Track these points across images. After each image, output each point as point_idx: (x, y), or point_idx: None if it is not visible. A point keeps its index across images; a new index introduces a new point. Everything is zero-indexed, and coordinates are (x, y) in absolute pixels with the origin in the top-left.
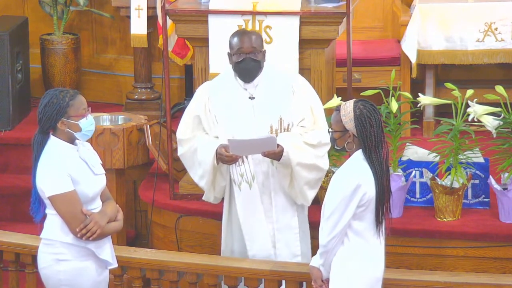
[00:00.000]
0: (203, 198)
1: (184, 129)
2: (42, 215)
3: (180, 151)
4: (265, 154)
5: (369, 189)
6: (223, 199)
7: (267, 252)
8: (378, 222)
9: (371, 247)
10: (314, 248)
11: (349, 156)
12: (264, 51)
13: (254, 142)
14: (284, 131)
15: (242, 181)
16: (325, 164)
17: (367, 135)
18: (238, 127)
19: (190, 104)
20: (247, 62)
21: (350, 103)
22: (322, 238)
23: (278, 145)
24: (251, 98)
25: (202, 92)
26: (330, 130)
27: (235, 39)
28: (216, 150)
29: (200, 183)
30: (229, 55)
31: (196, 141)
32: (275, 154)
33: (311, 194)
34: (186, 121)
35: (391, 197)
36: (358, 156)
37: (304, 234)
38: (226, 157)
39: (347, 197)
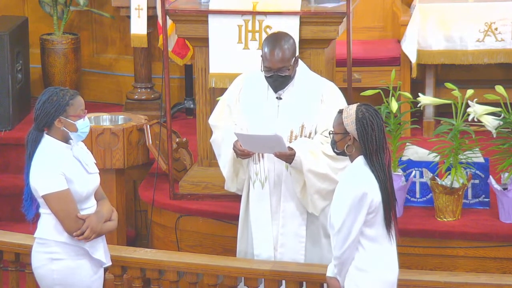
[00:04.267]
0: (224, 187)
1: (215, 116)
2: (34, 213)
3: (212, 137)
4: (277, 155)
5: (376, 195)
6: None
7: (268, 254)
8: (388, 226)
9: (385, 251)
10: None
11: (351, 162)
12: (297, 58)
13: (259, 139)
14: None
15: (256, 180)
16: None
17: (368, 138)
18: (259, 124)
19: (226, 92)
20: (275, 78)
21: (353, 106)
22: (335, 251)
23: (291, 148)
24: (279, 98)
25: (237, 82)
26: (331, 132)
27: (265, 51)
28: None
29: (223, 171)
30: (261, 59)
31: (223, 130)
32: (287, 157)
33: (321, 204)
34: (218, 108)
35: (396, 202)
36: (359, 162)
37: (317, 243)
38: (238, 151)
39: (355, 208)
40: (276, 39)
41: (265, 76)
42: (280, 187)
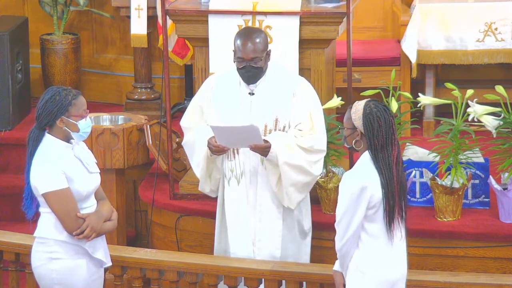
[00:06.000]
0: (198, 188)
1: (187, 117)
2: (34, 212)
3: (183, 140)
4: (252, 148)
5: (376, 190)
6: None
7: (246, 251)
8: (387, 224)
9: (385, 249)
10: (315, 250)
11: (359, 156)
12: (269, 52)
13: (235, 130)
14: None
15: (231, 177)
16: (316, 170)
17: (374, 134)
18: (233, 120)
19: (197, 93)
20: (247, 69)
21: (362, 102)
22: (336, 243)
23: (266, 141)
24: (251, 94)
25: (208, 82)
26: (341, 127)
27: (238, 43)
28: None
29: (196, 172)
30: (234, 53)
31: (196, 130)
32: (262, 149)
33: (297, 197)
34: (189, 110)
35: (406, 200)
36: (365, 158)
37: (292, 237)
38: (213, 147)
39: (354, 200)
40: (248, 32)
41: (237, 68)
42: (256, 180)
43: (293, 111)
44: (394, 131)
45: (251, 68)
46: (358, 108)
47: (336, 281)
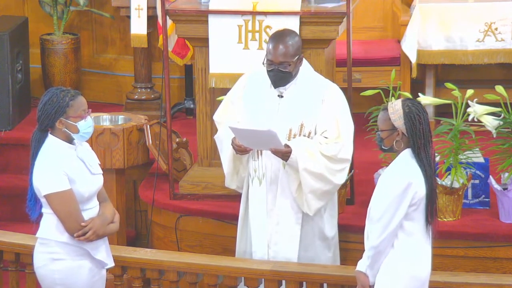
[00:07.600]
0: (225, 184)
1: (220, 112)
2: (38, 213)
3: (216, 134)
4: (273, 151)
5: (420, 188)
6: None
7: (261, 252)
8: (428, 222)
9: (421, 248)
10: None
11: (396, 156)
12: (301, 57)
13: (253, 133)
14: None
15: (254, 177)
16: (338, 179)
17: (416, 132)
18: (259, 121)
19: (231, 90)
20: (275, 73)
21: (398, 102)
22: (373, 240)
23: (288, 145)
24: (280, 96)
25: (242, 80)
26: (377, 130)
27: (269, 46)
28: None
29: (224, 168)
30: (265, 54)
31: (226, 127)
32: (282, 153)
33: (316, 204)
34: (223, 105)
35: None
36: (406, 155)
37: (312, 243)
38: (236, 146)
39: (398, 197)
40: (281, 35)
41: (266, 70)
42: (277, 185)
43: (320, 117)
44: (430, 128)
45: (279, 72)
46: (395, 108)
47: (360, 282)
